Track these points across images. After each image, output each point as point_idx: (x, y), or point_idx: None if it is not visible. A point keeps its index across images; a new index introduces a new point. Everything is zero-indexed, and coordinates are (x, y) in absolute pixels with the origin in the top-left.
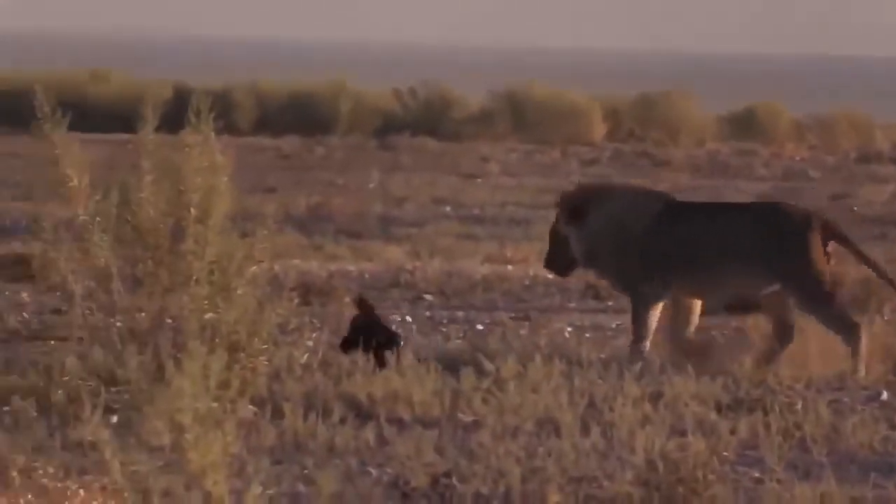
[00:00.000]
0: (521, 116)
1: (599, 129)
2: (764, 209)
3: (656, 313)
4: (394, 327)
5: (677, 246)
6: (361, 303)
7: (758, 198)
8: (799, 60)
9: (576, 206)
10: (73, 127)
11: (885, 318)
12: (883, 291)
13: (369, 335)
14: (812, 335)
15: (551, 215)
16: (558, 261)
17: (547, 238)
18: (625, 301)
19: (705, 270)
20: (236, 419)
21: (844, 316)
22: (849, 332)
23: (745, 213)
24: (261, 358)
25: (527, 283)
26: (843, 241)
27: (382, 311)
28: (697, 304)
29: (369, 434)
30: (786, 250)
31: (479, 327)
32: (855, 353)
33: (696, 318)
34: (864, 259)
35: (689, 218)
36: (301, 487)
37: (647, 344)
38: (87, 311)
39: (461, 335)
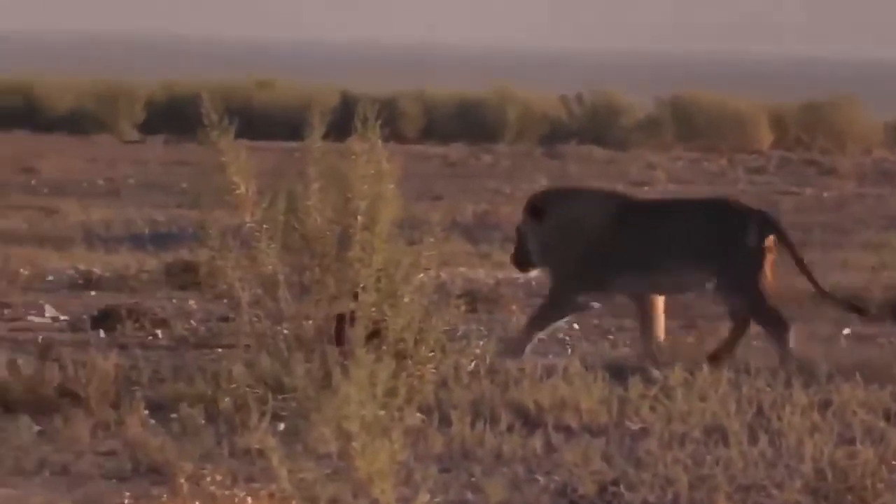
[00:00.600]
0: (688, 124)
1: (766, 137)
2: (710, 204)
3: (561, 322)
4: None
5: (630, 243)
6: None
7: None
8: None
9: (535, 207)
10: (239, 134)
11: None
12: None
13: None
14: None
15: None
16: (518, 258)
17: None
18: (794, 310)
19: (655, 266)
20: (403, 427)
21: (774, 313)
22: (777, 330)
23: (694, 209)
24: (428, 365)
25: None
26: (785, 241)
27: None
28: (661, 305)
29: (536, 442)
30: (725, 244)
31: None
32: (782, 352)
33: (661, 320)
34: (798, 262)
35: (642, 216)
36: (469, 495)
37: (530, 343)
38: (254, 319)
39: (628, 343)
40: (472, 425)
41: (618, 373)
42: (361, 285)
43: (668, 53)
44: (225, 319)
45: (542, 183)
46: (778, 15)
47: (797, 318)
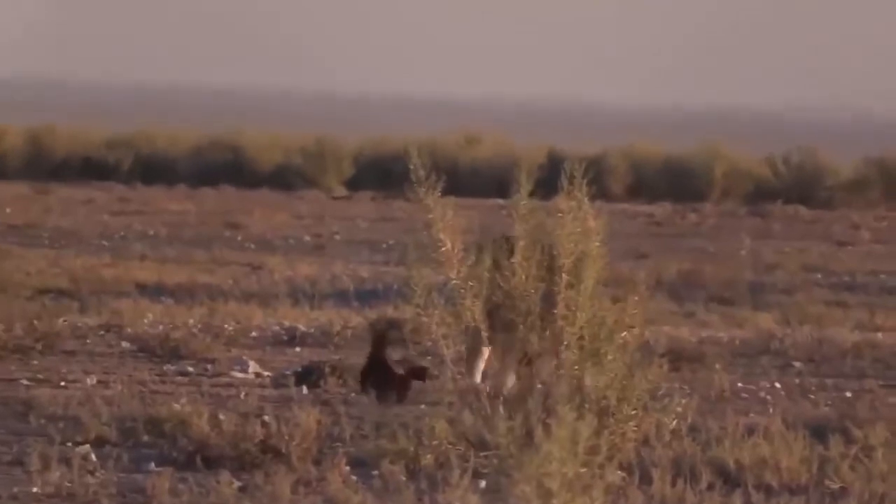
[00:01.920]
0: (894, 184)
1: None
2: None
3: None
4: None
5: None
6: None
7: None
8: None
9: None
10: (446, 191)
11: None
12: None
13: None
14: None
15: None
16: None
17: None
18: None
19: None
20: (604, 485)
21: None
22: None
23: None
24: (630, 423)
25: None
26: None
27: (751, 377)
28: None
29: (736, 500)
30: None
31: (848, 394)
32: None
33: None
34: None
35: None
36: None
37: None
38: (458, 375)
39: (829, 402)
40: (673, 483)
41: (818, 432)
42: (565, 343)
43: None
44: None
45: (746, 242)
46: None
47: None
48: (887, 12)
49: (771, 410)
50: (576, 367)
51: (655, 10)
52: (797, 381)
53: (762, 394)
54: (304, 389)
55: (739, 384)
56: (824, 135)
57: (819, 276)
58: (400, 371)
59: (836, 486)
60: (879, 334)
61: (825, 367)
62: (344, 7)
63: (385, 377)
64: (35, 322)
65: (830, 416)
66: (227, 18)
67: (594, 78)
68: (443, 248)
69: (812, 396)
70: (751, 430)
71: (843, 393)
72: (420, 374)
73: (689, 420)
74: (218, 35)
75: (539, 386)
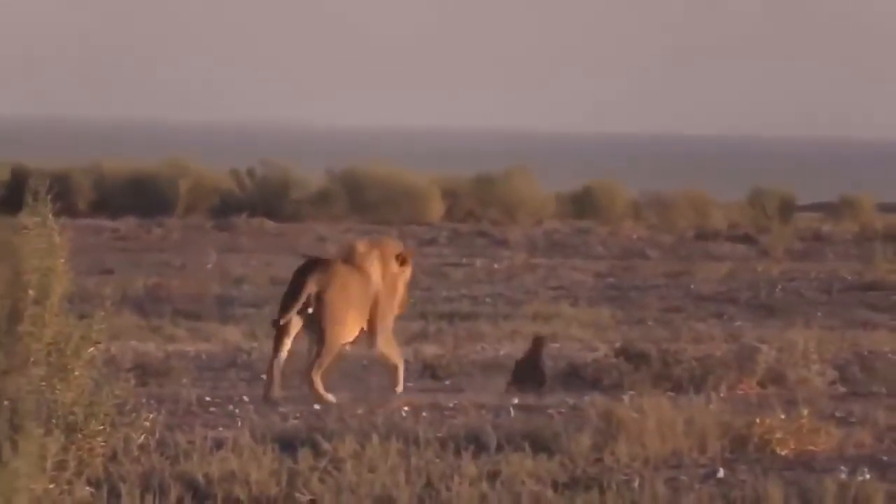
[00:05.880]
0: (360, 197)
1: (437, 209)
2: None
3: None
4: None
5: None
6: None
7: (596, 276)
8: (636, 139)
9: None
10: None
11: (721, 395)
12: (719, 368)
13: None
14: (650, 412)
15: None
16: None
17: None
18: (463, 380)
19: None
20: (73, 500)
21: None
22: None
23: None
24: (98, 439)
25: (365, 363)
26: None
27: (219, 390)
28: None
29: None
30: None
31: (317, 407)
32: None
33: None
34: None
35: None
36: None
37: None
38: None
39: (298, 415)
40: (142, 498)
41: (287, 444)
42: (32, 359)
43: (340, 127)
44: None
45: (212, 256)
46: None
47: (467, 388)
48: None
49: (239, 424)
50: (43, 383)
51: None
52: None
53: (230, 407)
54: None
55: (207, 398)
56: (293, 148)
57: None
58: None
59: (305, 498)
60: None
61: (294, 380)
62: None
63: None
64: None
65: (300, 428)
66: None
67: (66, 93)
68: None
69: (282, 409)
70: (219, 444)
71: (312, 406)
72: None
73: (158, 435)
74: None
75: (6, 402)
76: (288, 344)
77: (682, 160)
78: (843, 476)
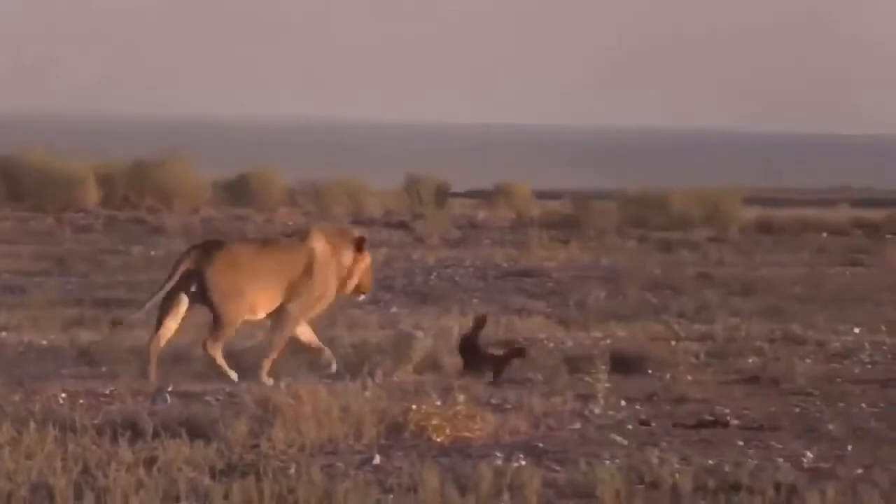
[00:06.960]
0: (16, 184)
1: (94, 196)
2: None
3: None
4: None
5: None
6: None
7: None
8: (295, 125)
9: None
10: None
11: (377, 381)
12: (376, 355)
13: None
14: (307, 399)
15: (49, 281)
16: None
17: None
18: (118, 367)
19: None
20: None
21: None
22: None
23: None
24: None
25: (21, 349)
26: None
27: None
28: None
29: None
30: None
31: None
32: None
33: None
34: None
35: None
36: None
37: None
38: None
39: None
40: None
41: None
42: None
43: None
44: None
45: None
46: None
47: (123, 375)
48: None
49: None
50: None
51: None
52: None
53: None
54: None
55: None
56: None
57: None
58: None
59: None
60: (2, 333)
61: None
62: None
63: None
64: None
65: None
66: None
67: None
68: None
69: None
70: None
71: None
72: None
73: None
74: None
75: None
76: (170, 325)
77: (336, 148)
78: (499, 462)
